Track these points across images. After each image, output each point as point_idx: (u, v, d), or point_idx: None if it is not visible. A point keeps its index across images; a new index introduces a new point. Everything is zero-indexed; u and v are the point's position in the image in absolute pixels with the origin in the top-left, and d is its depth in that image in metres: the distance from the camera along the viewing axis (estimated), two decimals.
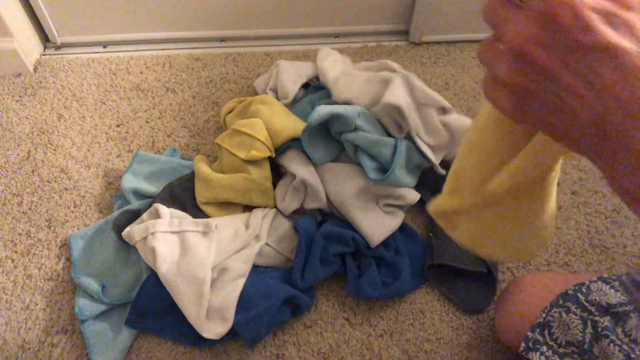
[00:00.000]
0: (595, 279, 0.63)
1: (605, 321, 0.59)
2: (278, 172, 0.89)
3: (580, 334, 0.60)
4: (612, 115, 0.22)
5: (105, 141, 1.03)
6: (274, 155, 0.86)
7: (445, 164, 0.90)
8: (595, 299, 0.61)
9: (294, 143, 0.86)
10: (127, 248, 0.83)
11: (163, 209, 0.80)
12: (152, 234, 0.77)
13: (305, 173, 0.83)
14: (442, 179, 0.80)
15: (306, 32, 1.26)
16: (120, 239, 0.81)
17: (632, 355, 0.56)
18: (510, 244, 0.43)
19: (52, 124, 1.05)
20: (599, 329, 0.59)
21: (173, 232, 0.78)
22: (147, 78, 1.16)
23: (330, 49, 1.09)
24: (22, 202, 0.92)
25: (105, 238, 0.86)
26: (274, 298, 0.74)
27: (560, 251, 0.89)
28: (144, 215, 0.81)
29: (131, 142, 1.03)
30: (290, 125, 0.87)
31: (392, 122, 0.88)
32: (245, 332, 0.72)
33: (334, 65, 1.02)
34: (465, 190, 0.41)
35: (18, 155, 1.00)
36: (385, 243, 0.84)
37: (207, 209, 0.85)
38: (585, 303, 0.62)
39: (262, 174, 0.84)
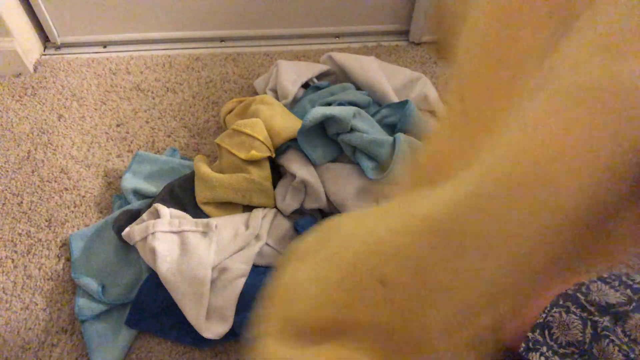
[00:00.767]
0: (595, 278, 0.63)
1: (605, 321, 0.59)
2: (278, 172, 0.89)
3: (580, 334, 0.60)
4: None
5: (105, 141, 1.03)
6: (274, 155, 0.86)
7: None
8: (594, 299, 0.61)
9: (294, 143, 0.86)
10: (127, 248, 0.83)
11: (163, 209, 0.80)
12: (152, 234, 0.77)
13: (305, 173, 0.83)
14: None
15: (306, 32, 1.26)
16: (120, 239, 0.81)
17: (632, 355, 0.56)
18: None
19: (52, 124, 1.05)
20: (599, 329, 0.59)
21: (173, 232, 0.78)
22: (147, 78, 1.16)
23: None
24: (22, 202, 0.92)
25: (105, 238, 0.86)
26: None
27: None
28: (144, 215, 0.81)
29: (131, 142, 1.03)
30: (290, 125, 0.87)
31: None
32: (245, 332, 0.72)
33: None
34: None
35: (18, 155, 1.00)
36: None
37: (207, 209, 0.85)
38: (585, 303, 0.62)
39: (262, 174, 0.84)
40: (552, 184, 0.27)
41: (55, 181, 0.96)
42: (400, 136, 0.85)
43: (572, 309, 0.62)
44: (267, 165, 0.85)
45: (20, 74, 1.14)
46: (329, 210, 0.87)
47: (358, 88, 1.04)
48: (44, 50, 1.22)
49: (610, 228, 0.28)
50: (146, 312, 0.76)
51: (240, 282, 0.76)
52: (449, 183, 0.32)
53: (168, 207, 0.82)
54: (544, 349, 0.62)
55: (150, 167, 0.94)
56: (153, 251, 0.75)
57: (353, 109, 0.85)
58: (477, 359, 0.32)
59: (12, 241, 0.87)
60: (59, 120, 1.06)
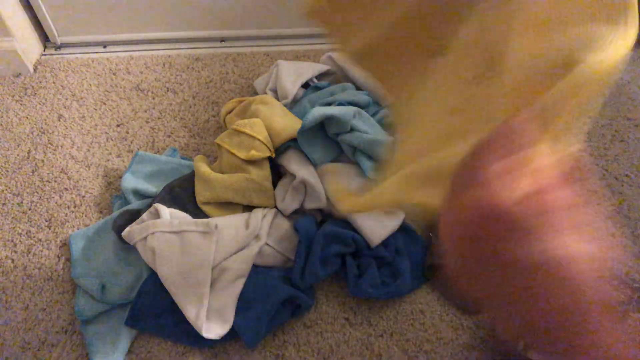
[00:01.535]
0: None
1: None
2: (278, 172, 0.89)
3: None
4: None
5: (105, 141, 1.03)
6: (273, 155, 0.86)
7: None
8: None
9: (294, 143, 0.86)
10: (127, 248, 0.83)
11: (163, 209, 0.80)
12: (152, 234, 0.77)
13: (305, 173, 0.83)
14: None
15: (306, 32, 1.26)
16: (120, 239, 0.81)
17: None
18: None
19: (52, 124, 1.05)
20: None
21: (173, 232, 0.78)
22: (147, 78, 1.16)
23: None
24: (22, 202, 0.92)
25: (105, 238, 0.86)
26: (273, 298, 0.74)
27: None
28: (144, 215, 0.81)
29: (131, 142, 1.03)
30: (290, 125, 0.87)
31: None
32: (245, 332, 0.72)
33: None
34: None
35: (18, 155, 1.00)
36: (385, 243, 0.84)
37: (207, 209, 0.85)
38: None
39: (262, 174, 0.84)
40: None
41: (55, 181, 0.96)
42: None
43: None
44: (267, 165, 0.85)
45: (20, 74, 1.14)
46: (329, 210, 0.87)
47: (358, 88, 1.04)
48: (44, 50, 1.22)
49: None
50: (146, 312, 0.76)
51: (240, 282, 0.76)
52: None
53: (168, 207, 0.82)
54: None
55: (150, 167, 0.94)
56: (153, 251, 0.75)
57: (353, 109, 0.85)
58: None
59: (12, 241, 0.87)
60: (59, 120, 1.06)
